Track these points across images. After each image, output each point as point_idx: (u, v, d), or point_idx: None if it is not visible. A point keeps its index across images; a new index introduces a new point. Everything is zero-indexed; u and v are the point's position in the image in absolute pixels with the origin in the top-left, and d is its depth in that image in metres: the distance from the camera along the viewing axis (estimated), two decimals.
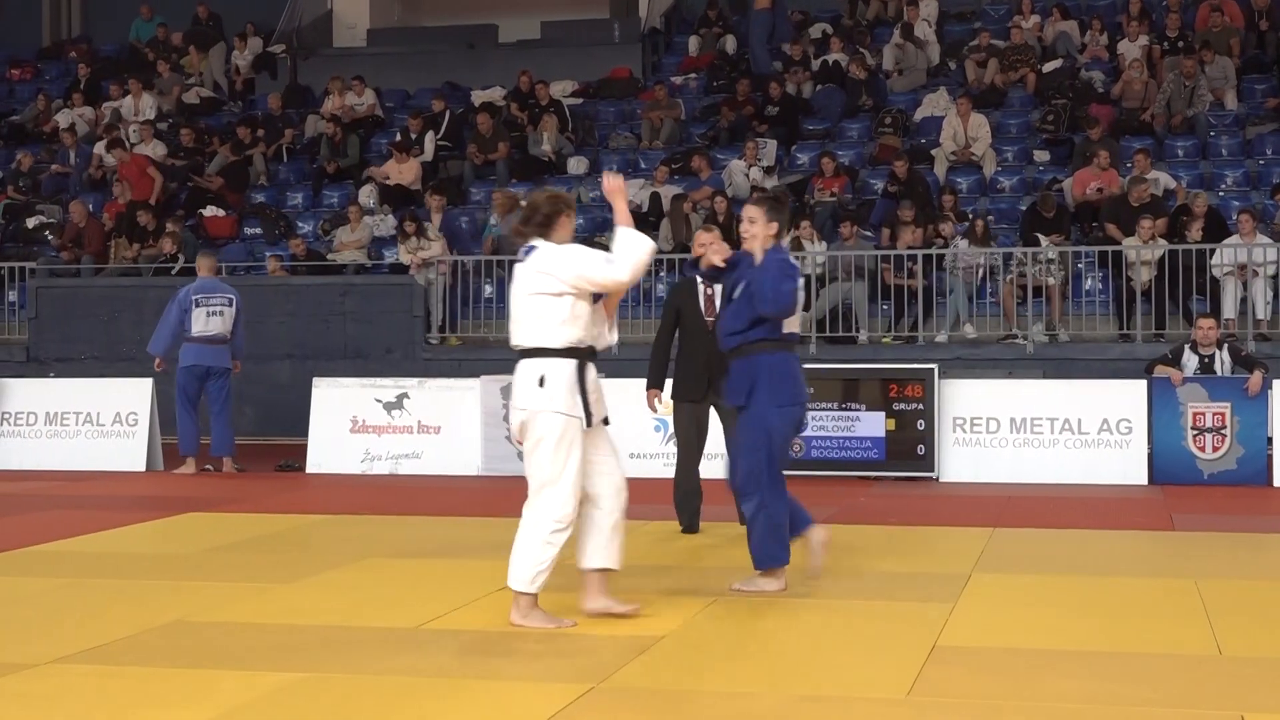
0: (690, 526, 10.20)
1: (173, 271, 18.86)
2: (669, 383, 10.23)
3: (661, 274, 17.66)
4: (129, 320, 18.35)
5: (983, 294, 16.99)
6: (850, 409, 13.43)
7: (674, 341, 10.20)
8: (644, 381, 10.31)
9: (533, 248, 7.20)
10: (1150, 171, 17.94)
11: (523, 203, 7.40)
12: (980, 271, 16.91)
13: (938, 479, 13.45)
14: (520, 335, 7.18)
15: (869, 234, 18.10)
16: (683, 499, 10.22)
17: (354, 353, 17.92)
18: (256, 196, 21.67)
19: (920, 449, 13.48)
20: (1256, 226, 16.48)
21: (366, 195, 20.49)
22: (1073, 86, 20.69)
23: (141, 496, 13.03)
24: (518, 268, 7.20)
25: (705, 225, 11.61)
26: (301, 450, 14.90)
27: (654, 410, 10.43)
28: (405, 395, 14.68)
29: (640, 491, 10.68)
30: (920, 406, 13.43)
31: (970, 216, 18.32)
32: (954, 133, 19.85)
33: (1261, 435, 13.20)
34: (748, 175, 19.49)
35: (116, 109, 23.59)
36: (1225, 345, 13.71)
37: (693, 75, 23.36)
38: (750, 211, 8.04)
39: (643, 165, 20.98)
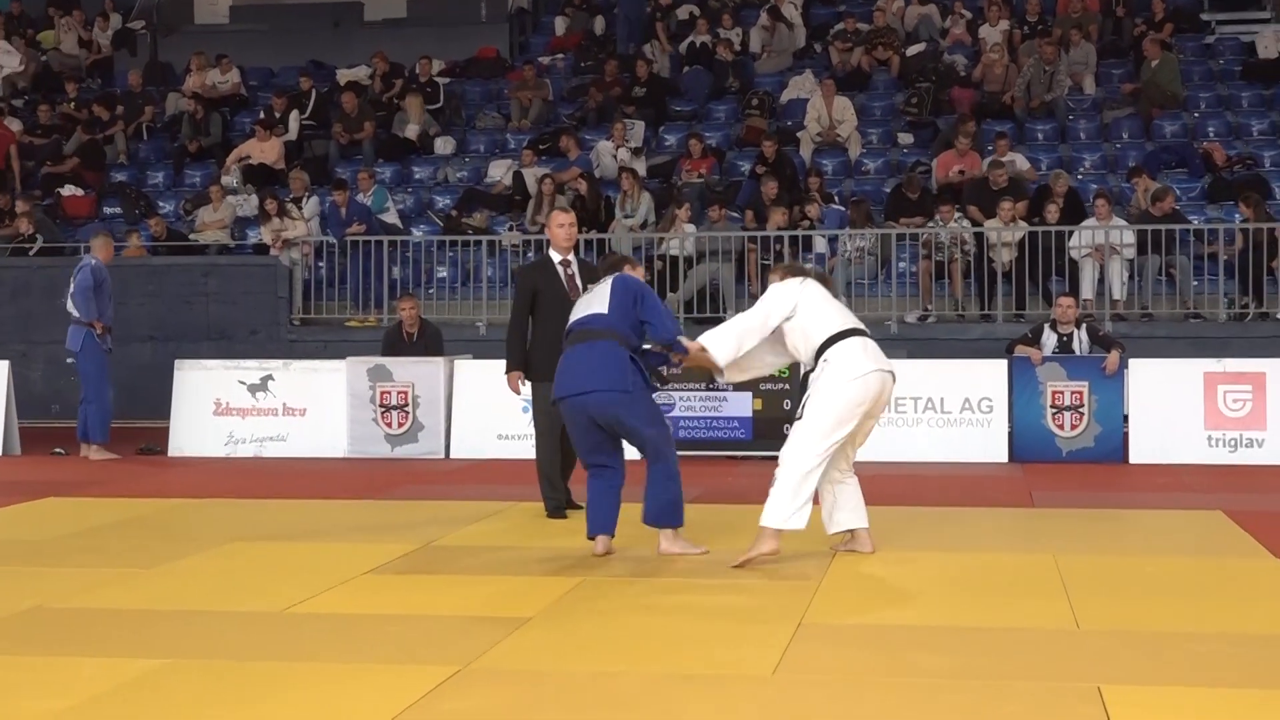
0: (559, 510, 10.17)
1: (30, 252, 18.46)
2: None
3: (530, 256, 17.63)
4: None
5: (861, 276, 17.15)
6: (717, 389, 13.49)
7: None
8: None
9: None
10: (1008, 155, 18.24)
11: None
12: (863, 256, 17.06)
13: None
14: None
15: (736, 215, 18.20)
16: (554, 481, 10.20)
17: (217, 334, 17.68)
18: (116, 175, 21.28)
19: (787, 429, 13.50)
20: (1113, 209, 16.82)
21: (230, 175, 20.20)
22: (935, 70, 20.95)
23: None
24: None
25: (563, 207, 11.62)
26: (163, 434, 14.67)
27: (517, 392, 10.42)
28: (270, 377, 14.51)
29: (507, 473, 10.69)
30: (787, 387, 13.52)
31: (836, 198, 18.51)
32: (819, 115, 20.02)
33: (1118, 414, 13.48)
34: (615, 156, 19.52)
35: None
36: (1083, 325, 13.98)
37: (560, 56, 23.31)
38: None
39: (510, 145, 20.93)
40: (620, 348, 8.41)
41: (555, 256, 10.28)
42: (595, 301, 8.64)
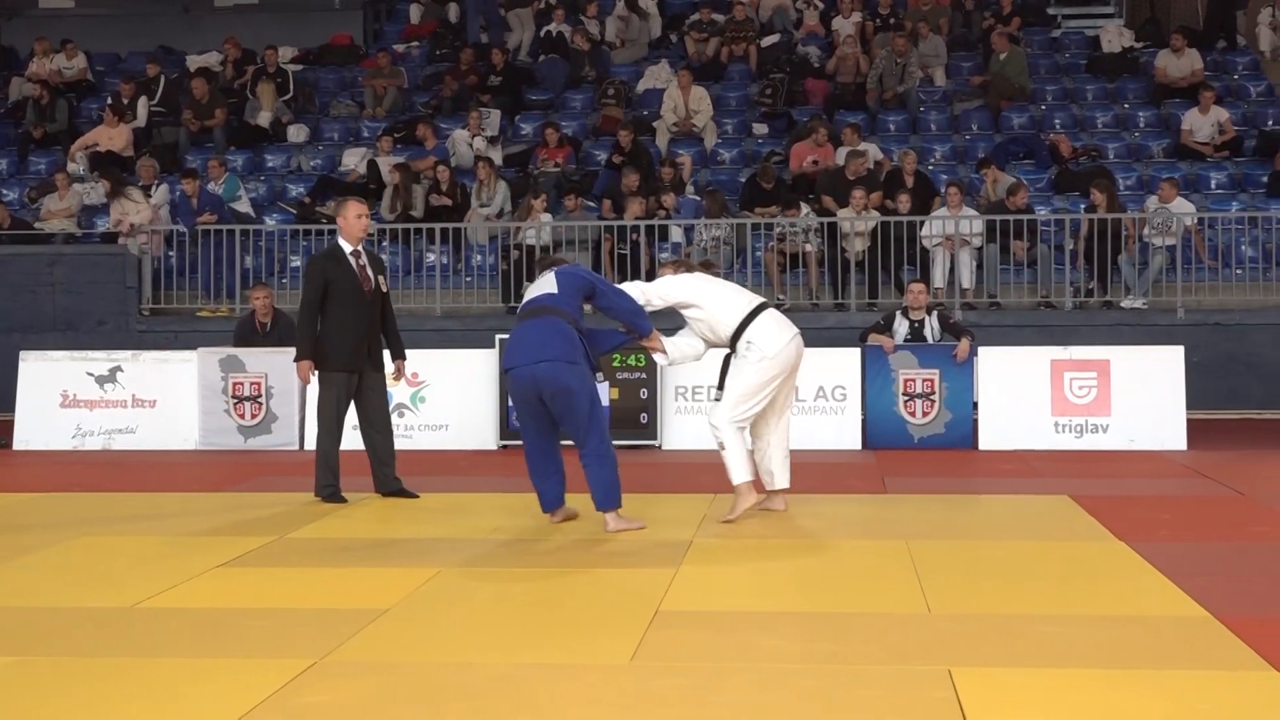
0: (335, 495, 10.22)
1: None
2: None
3: (385, 244, 17.51)
4: None
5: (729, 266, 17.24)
6: None
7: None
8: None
9: None
10: (861, 144, 18.47)
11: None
12: (719, 245, 17.15)
13: (660, 447, 13.63)
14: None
15: (592, 204, 18.21)
16: (333, 468, 10.24)
17: (64, 325, 17.32)
18: None
19: (643, 417, 13.64)
20: (963, 199, 17.10)
21: (76, 162, 19.80)
22: (790, 61, 21.13)
23: None
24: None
25: (357, 197, 11.59)
26: (8, 427, 14.35)
27: (306, 381, 10.42)
28: (119, 368, 14.25)
29: (362, 464, 10.61)
30: (643, 376, 13.58)
31: (692, 188, 18.59)
32: (675, 105, 20.10)
33: (968, 400, 13.71)
34: (471, 145, 19.43)
35: None
36: (934, 313, 14.19)
37: (415, 43, 23.15)
38: None
39: (365, 134, 20.75)
40: (568, 325, 8.83)
41: (346, 247, 10.26)
42: (544, 285, 9.07)
